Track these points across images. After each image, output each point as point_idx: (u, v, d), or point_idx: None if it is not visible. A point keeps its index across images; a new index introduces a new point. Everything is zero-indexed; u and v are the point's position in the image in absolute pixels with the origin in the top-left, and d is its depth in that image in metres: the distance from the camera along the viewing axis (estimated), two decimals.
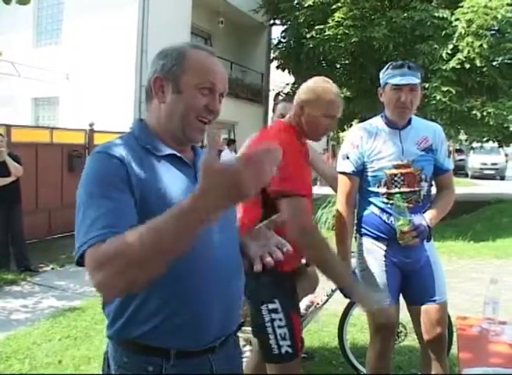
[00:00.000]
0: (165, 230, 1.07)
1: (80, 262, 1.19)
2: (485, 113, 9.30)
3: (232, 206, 1.09)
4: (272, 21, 13.68)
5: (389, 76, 2.59)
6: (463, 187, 18.07)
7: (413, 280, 2.68)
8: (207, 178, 1.03)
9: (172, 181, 1.35)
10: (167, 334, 1.31)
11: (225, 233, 1.41)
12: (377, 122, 2.71)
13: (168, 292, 1.30)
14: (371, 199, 2.67)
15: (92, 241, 1.15)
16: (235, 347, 1.53)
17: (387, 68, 2.63)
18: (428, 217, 2.56)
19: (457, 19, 9.24)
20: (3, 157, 6.18)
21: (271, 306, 2.27)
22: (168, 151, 1.39)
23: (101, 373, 1.43)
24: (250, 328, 2.50)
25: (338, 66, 12.14)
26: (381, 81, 2.68)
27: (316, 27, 10.36)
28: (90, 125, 9.05)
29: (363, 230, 2.73)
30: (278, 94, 12.65)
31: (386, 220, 2.60)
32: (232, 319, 1.47)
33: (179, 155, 1.41)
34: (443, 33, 9.45)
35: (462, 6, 9.25)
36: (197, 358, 1.35)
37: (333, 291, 3.48)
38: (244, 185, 1.02)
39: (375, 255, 2.68)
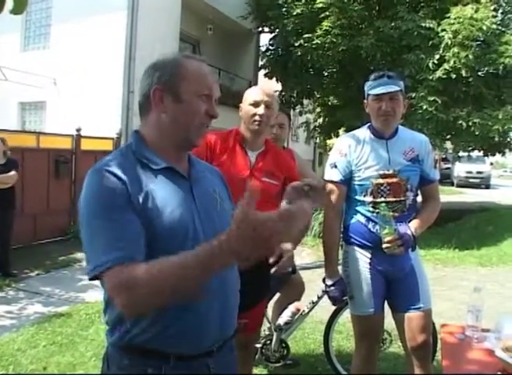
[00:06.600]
0: (190, 267, 1.14)
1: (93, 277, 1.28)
2: (470, 123, 9.42)
3: (254, 257, 1.10)
4: (260, 28, 13.72)
5: (370, 88, 2.65)
6: (448, 196, 18.25)
7: (397, 288, 2.71)
8: (241, 228, 1.05)
9: (169, 195, 1.38)
10: (168, 340, 1.35)
11: None
12: (364, 132, 2.75)
13: None
14: (357, 208, 2.70)
15: (110, 263, 1.22)
16: (231, 351, 1.56)
17: (369, 79, 2.68)
18: (413, 226, 2.60)
19: (444, 30, 9.37)
20: (4, 159, 6.27)
21: None
22: (164, 164, 1.42)
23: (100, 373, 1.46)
24: None
25: (325, 74, 12.22)
26: (365, 93, 2.73)
27: (304, 36, 10.43)
28: (78, 130, 8.98)
29: (349, 238, 2.76)
30: None
31: (372, 229, 2.63)
32: (230, 324, 1.51)
33: (174, 168, 1.44)
34: (430, 43, 9.58)
35: (448, 17, 9.39)
36: (196, 362, 1.40)
37: (319, 298, 3.50)
38: (274, 241, 1.06)
39: (360, 262, 2.70)
